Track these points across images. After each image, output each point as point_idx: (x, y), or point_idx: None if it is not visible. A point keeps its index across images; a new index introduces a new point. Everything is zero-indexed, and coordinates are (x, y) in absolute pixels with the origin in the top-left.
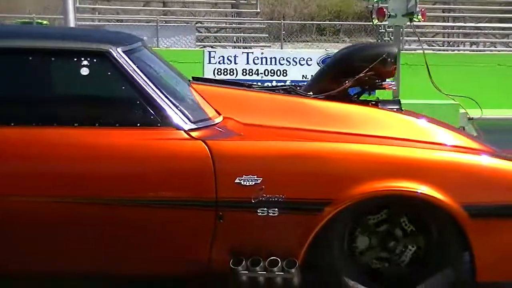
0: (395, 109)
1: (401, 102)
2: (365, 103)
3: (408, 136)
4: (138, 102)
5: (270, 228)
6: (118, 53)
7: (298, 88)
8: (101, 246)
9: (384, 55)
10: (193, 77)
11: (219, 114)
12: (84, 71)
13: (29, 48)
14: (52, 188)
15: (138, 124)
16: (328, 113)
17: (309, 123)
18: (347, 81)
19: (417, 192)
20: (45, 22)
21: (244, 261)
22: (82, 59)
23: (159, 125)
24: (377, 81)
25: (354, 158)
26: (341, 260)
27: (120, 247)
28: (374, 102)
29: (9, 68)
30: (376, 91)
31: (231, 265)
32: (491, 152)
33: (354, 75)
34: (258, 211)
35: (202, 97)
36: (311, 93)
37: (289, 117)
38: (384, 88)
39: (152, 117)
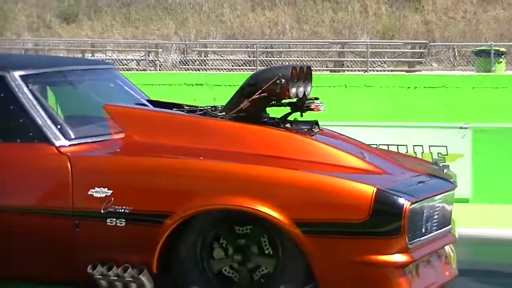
0: (305, 129)
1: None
2: (277, 123)
3: (286, 155)
4: (21, 120)
5: (120, 237)
6: (12, 76)
7: (218, 107)
8: None
9: (275, 78)
10: (148, 100)
11: (119, 133)
12: None
13: None
14: None
15: (19, 140)
16: (218, 132)
17: (197, 141)
18: (244, 102)
19: (249, 208)
20: None
21: (99, 267)
22: None
23: (36, 141)
24: (273, 102)
25: (197, 174)
26: (191, 267)
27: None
28: (289, 122)
29: None
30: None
31: (88, 270)
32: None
33: (251, 96)
34: (108, 221)
35: (111, 117)
36: (223, 113)
37: (186, 136)
38: (313, 110)
39: (31, 134)
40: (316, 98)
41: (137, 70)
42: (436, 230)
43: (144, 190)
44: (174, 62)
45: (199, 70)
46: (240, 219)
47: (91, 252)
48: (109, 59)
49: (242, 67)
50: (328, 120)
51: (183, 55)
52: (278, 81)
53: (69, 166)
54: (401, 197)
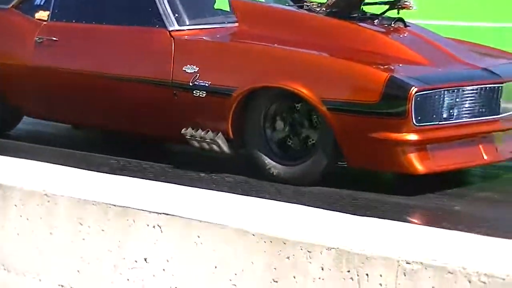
0: (386, 24)
1: None
2: (362, 18)
3: (349, 44)
4: (150, 10)
5: (202, 106)
6: None
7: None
8: (106, 107)
9: None
10: None
11: (234, 23)
12: None
13: None
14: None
15: (147, 24)
16: (307, 25)
17: (293, 32)
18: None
19: (286, 86)
20: None
21: (190, 129)
22: None
23: (157, 26)
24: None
25: (259, 57)
26: (257, 135)
27: (116, 110)
28: (376, 18)
29: None
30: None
31: (182, 131)
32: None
33: None
34: (194, 92)
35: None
36: (324, 8)
37: (285, 28)
38: (404, 8)
39: (155, 20)
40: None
41: None
42: (468, 118)
43: (220, 68)
44: None
45: None
46: (292, 96)
47: (183, 117)
48: None
49: None
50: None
51: None
52: None
53: (172, 46)
54: (408, 84)
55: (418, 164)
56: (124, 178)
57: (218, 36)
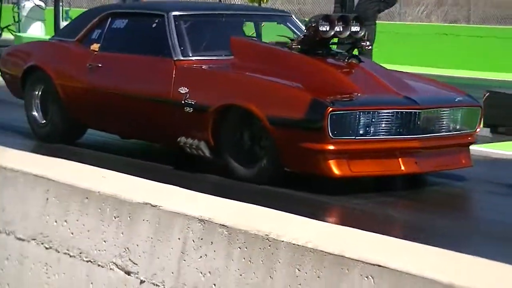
0: (342, 60)
1: None
2: (325, 54)
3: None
4: (164, 42)
5: (191, 120)
6: (169, 15)
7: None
8: (130, 120)
9: (310, 22)
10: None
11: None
12: None
13: None
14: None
15: (161, 55)
16: (280, 59)
17: (271, 65)
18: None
19: (241, 105)
20: None
21: (183, 138)
22: None
23: (167, 56)
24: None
25: (226, 82)
26: (227, 142)
27: (136, 123)
28: (336, 54)
29: None
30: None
31: (177, 140)
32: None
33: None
34: (185, 109)
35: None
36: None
37: (266, 62)
38: (362, 47)
39: (166, 51)
40: (368, 40)
41: None
42: (386, 135)
43: (204, 90)
44: None
45: None
46: (249, 112)
47: (180, 128)
48: None
49: None
50: None
51: None
52: (311, 24)
53: (174, 72)
54: (325, 105)
55: (335, 169)
56: (340, 227)
57: (211, 65)
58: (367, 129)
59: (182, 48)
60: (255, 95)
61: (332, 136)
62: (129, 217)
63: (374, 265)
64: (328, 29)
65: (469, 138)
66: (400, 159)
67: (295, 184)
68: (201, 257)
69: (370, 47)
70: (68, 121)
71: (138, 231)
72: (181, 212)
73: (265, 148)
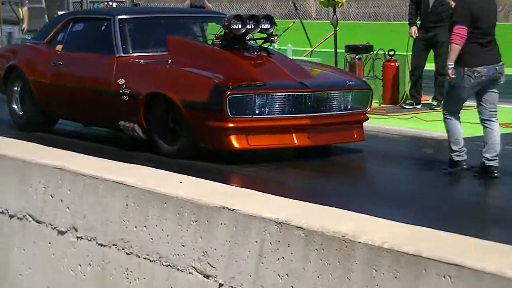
0: (253, 52)
1: None
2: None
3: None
4: (110, 42)
5: (127, 106)
6: (115, 19)
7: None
8: (85, 109)
9: (224, 20)
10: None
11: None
12: None
13: None
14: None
15: (106, 52)
16: (203, 53)
17: (193, 58)
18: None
19: (166, 93)
20: None
21: (122, 121)
22: None
23: (111, 53)
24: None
25: (152, 72)
26: (155, 124)
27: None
28: (250, 48)
29: None
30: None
31: (118, 123)
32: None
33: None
34: (123, 97)
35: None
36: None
37: (191, 55)
38: (272, 42)
39: (111, 49)
40: (275, 35)
41: None
42: (280, 114)
43: (136, 80)
44: None
45: None
46: (169, 98)
47: (119, 113)
48: None
49: None
50: None
51: None
52: (225, 23)
53: (115, 66)
54: (225, 90)
55: (235, 143)
56: (414, 227)
57: (147, 60)
58: (262, 109)
59: (124, 46)
60: (174, 84)
61: (231, 115)
62: (207, 221)
63: (451, 264)
64: (240, 27)
65: (362, 117)
66: (294, 134)
67: (209, 157)
68: (278, 259)
69: (277, 41)
70: (40, 112)
71: (216, 235)
72: (257, 215)
73: (183, 128)
